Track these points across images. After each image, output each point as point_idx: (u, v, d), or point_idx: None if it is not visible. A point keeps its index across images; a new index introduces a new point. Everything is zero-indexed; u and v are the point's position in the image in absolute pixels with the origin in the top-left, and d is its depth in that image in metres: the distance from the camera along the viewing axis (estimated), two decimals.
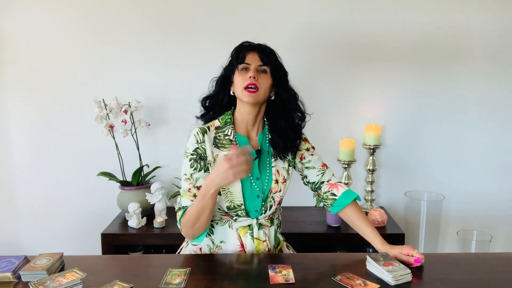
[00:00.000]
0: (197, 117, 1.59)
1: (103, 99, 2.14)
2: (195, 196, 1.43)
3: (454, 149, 2.31)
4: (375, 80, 2.27)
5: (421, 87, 2.27)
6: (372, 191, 2.26)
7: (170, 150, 2.32)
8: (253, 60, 1.45)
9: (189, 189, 1.45)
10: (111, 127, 2.15)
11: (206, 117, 1.57)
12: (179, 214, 1.44)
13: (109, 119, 2.14)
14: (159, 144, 2.33)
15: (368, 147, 2.21)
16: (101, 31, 2.23)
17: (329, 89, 2.28)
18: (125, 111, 2.14)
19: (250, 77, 1.42)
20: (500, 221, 2.35)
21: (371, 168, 2.24)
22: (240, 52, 1.46)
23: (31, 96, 2.30)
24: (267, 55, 1.46)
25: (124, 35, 2.23)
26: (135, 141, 2.22)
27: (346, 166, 2.21)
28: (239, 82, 1.44)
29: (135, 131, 2.22)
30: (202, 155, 1.45)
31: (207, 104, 1.56)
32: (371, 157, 2.24)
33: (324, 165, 1.59)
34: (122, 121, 2.15)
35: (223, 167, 1.28)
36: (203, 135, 1.46)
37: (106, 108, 2.12)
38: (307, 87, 2.26)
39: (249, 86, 1.41)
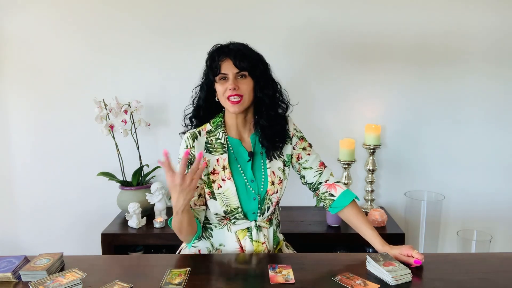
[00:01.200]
0: (183, 132, 1.54)
1: (103, 99, 2.14)
2: None
3: (454, 149, 2.31)
4: (375, 80, 2.27)
5: (421, 87, 2.27)
6: (372, 191, 2.26)
7: (170, 150, 2.30)
8: (228, 68, 1.40)
9: None
10: (111, 127, 2.15)
11: (195, 125, 1.54)
12: None
13: (109, 119, 2.14)
14: (159, 144, 2.33)
15: (368, 147, 2.21)
16: (101, 31, 2.23)
17: (329, 89, 2.28)
18: (125, 111, 2.14)
19: (230, 88, 1.39)
20: (500, 221, 2.35)
21: (371, 168, 2.23)
22: (214, 62, 1.41)
23: (31, 96, 2.30)
24: (241, 59, 1.39)
25: (124, 35, 2.23)
26: (135, 141, 2.23)
27: (346, 166, 2.20)
28: (221, 93, 1.42)
29: (135, 131, 2.22)
30: (192, 160, 1.44)
31: (195, 114, 1.52)
32: (371, 157, 2.24)
33: (322, 164, 1.57)
34: (122, 121, 2.15)
35: (173, 189, 1.26)
36: (193, 141, 1.45)
37: (106, 108, 2.13)
38: (307, 87, 2.28)
39: (231, 97, 1.39)
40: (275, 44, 2.21)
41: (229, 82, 1.40)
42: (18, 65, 2.27)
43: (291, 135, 1.55)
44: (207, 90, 1.48)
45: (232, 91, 1.39)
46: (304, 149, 1.57)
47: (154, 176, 2.33)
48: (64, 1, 2.21)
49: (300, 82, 2.26)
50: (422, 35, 2.22)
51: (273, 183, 1.49)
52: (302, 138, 1.58)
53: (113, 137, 2.18)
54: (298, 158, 1.56)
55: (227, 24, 2.21)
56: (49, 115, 2.31)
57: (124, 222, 2.12)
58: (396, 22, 2.21)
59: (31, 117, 2.31)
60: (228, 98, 1.40)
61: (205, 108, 1.50)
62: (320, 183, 1.55)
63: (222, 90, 1.41)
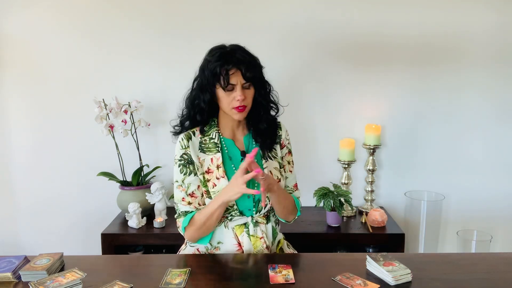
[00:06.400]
0: (176, 133, 1.55)
1: (103, 99, 2.14)
2: (189, 203, 1.46)
3: (454, 149, 2.31)
4: (375, 80, 2.27)
5: (421, 87, 2.27)
6: (372, 191, 2.26)
7: (170, 150, 2.27)
8: (237, 79, 1.40)
9: (183, 198, 1.47)
10: (111, 127, 2.15)
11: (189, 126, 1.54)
12: (180, 220, 1.46)
13: (109, 119, 2.14)
14: (159, 144, 2.33)
15: (368, 147, 2.21)
16: (101, 32, 2.23)
17: (329, 89, 2.28)
18: (125, 111, 2.14)
19: (239, 99, 1.39)
20: (500, 221, 2.34)
21: (371, 168, 2.23)
22: (223, 72, 1.39)
23: (31, 97, 2.30)
24: (250, 71, 1.40)
25: (124, 35, 2.23)
26: (135, 141, 2.23)
27: (346, 166, 2.21)
28: (226, 102, 1.42)
29: (135, 131, 2.22)
30: (189, 159, 1.47)
31: (200, 119, 1.49)
32: (371, 157, 2.24)
33: (296, 185, 1.62)
34: (122, 121, 2.15)
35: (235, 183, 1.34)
36: (188, 141, 1.48)
37: (106, 108, 2.13)
38: (307, 87, 2.28)
39: (239, 107, 1.41)
40: (274, 44, 2.21)
41: (237, 92, 1.40)
42: (18, 65, 2.27)
43: (282, 142, 1.57)
44: (211, 93, 1.45)
45: (241, 102, 1.40)
46: (289, 163, 1.60)
47: (154, 176, 2.33)
48: (64, 2, 2.21)
49: (300, 82, 2.26)
50: (423, 35, 2.22)
51: None
52: (290, 152, 1.61)
53: (113, 137, 2.18)
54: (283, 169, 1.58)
55: (227, 25, 2.20)
56: (49, 115, 2.30)
57: (124, 222, 2.12)
58: (397, 22, 2.21)
59: (31, 117, 2.31)
60: (234, 107, 1.42)
61: (208, 111, 1.49)
62: None
63: (229, 100, 1.42)
